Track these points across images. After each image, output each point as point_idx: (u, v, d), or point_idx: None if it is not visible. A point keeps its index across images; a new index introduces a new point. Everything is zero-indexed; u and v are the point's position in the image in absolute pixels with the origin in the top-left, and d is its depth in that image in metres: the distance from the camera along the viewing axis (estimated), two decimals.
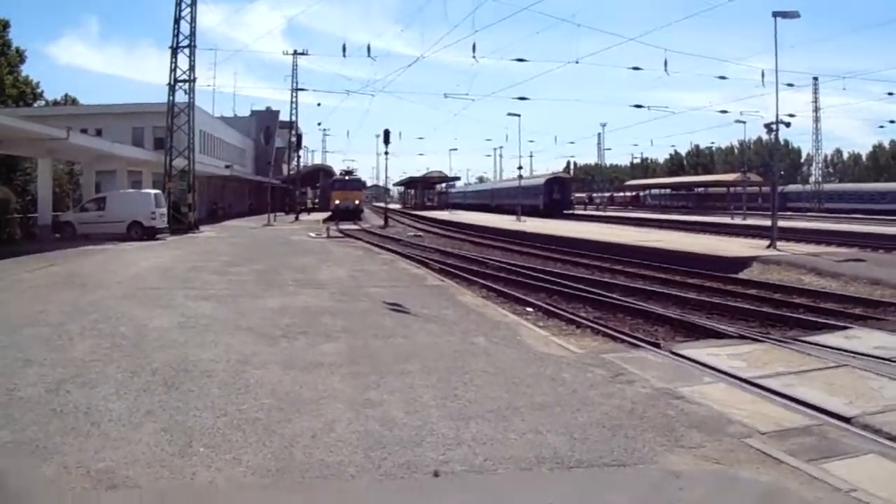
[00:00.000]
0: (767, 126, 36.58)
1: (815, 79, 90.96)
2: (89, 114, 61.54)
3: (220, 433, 6.80)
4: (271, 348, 10.74)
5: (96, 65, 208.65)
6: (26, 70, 66.12)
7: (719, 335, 13.42)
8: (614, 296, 18.55)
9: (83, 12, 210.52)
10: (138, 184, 49.61)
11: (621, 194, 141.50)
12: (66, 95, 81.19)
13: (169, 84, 46.19)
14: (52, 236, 37.88)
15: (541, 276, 22.73)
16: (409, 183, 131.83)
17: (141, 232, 38.07)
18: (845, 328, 14.12)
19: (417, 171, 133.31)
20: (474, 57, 40.47)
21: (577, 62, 45.65)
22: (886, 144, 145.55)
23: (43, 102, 69.61)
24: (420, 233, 51.29)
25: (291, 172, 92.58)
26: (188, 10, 45.24)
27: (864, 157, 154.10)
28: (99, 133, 52.98)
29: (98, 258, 26.48)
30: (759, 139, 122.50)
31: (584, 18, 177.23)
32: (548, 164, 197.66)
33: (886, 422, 7.48)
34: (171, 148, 46.58)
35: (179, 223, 44.66)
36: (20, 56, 64.22)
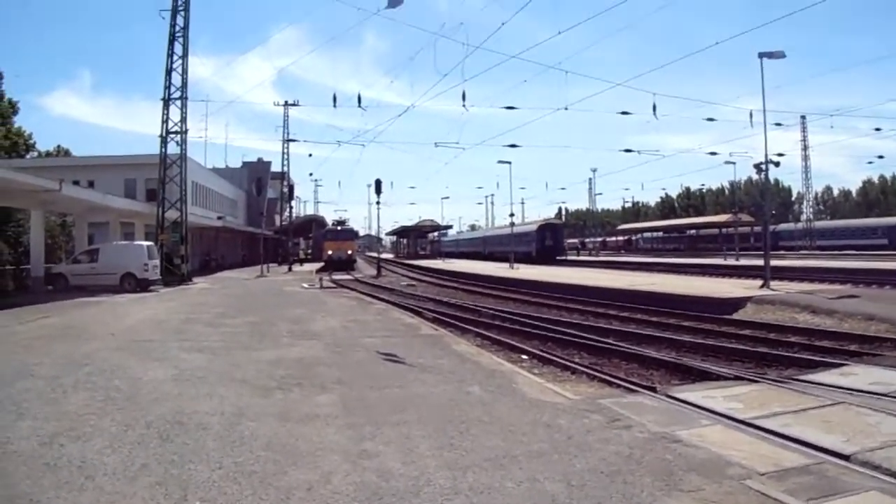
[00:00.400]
0: (757, 166, 36.60)
1: (803, 117, 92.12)
2: (82, 165, 61.68)
3: (215, 486, 6.76)
4: (266, 400, 10.69)
5: (89, 116, 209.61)
6: (19, 121, 66.48)
7: (715, 377, 13.40)
8: (609, 341, 18.53)
9: (76, 65, 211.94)
10: (131, 235, 49.86)
11: (613, 239, 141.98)
12: (58, 147, 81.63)
13: (161, 136, 46.22)
14: (45, 288, 37.93)
15: (535, 322, 22.72)
16: (401, 232, 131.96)
17: (134, 284, 38.09)
18: (841, 365, 14.20)
19: (409, 220, 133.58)
20: (464, 105, 40.56)
21: (566, 108, 45.67)
22: (876, 179, 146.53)
23: (36, 154, 69.85)
24: (413, 282, 51.36)
25: (284, 223, 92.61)
26: (179, 62, 45.43)
27: (854, 193, 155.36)
28: (91, 185, 53.11)
29: (91, 310, 26.43)
30: (749, 179, 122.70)
31: (571, 65, 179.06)
32: (539, 211, 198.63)
33: (886, 458, 7.48)
34: (164, 199, 46.52)
35: (172, 275, 44.69)
36: (13, 108, 64.53)
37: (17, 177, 32.53)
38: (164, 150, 46.46)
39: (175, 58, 45.37)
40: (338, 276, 55.14)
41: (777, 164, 40.68)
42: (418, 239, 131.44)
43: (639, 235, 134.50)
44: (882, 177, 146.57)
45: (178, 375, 12.75)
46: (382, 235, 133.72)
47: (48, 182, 34.03)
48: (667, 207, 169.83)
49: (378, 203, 63.24)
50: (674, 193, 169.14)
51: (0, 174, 31.19)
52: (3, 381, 12.24)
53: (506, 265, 63.06)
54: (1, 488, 6.75)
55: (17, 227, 45.73)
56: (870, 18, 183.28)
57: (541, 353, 16.80)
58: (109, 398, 10.75)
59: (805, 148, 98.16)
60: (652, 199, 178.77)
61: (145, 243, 42.02)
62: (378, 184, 60.15)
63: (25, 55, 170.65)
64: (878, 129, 70.74)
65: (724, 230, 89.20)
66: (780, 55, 30.95)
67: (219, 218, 69.57)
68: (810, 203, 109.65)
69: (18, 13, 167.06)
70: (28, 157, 65.81)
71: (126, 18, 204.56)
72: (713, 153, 76.01)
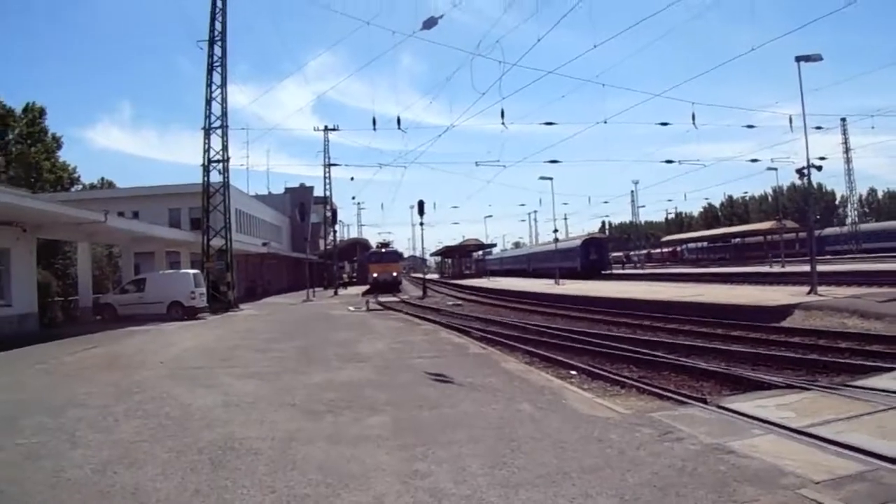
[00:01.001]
0: (799, 171, 36.31)
1: (843, 119, 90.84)
2: (126, 196, 62.36)
3: None
4: (316, 424, 10.69)
5: (131, 148, 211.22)
6: (63, 155, 67.32)
7: (766, 386, 13.25)
8: (658, 353, 18.37)
9: (116, 97, 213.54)
10: (177, 264, 50.23)
11: (658, 251, 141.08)
12: (102, 179, 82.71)
13: (203, 165, 46.76)
14: (93, 318, 38.48)
15: (583, 338, 22.56)
16: (445, 252, 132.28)
17: (181, 312, 38.48)
18: (893, 369, 13.95)
19: (453, 240, 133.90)
20: (503, 123, 40.42)
21: (605, 122, 46.04)
22: None
23: (80, 186, 70.59)
24: (459, 301, 51.32)
25: (328, 247, 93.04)
26: (219, 91, 45.86)
27: None
28: (136, 215, 53.66)
29: (139, 339, 26.65)
30: (792, 185, 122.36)
31: (608, 78, 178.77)
32: (583, 226, 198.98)
33: None
34: (208, 227, 46.92)
35: (219, 302, 44.99)
36: (57, 142, 65.44)
37: (64, 210, 32.97)
38: (206, 178, 46.94)
39: (214, 87, 45.88)
40: (384, 299, 55.15)
41: (819, 168, 40.37)
42: (462, 258, 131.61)
43: (683, 246, 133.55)
44: None
45: (227, 401, 12.80)
46: (427, 256, 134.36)
47: (93, 214, 34.45)
48: (710, 217, 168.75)
49: (421, 224, 63.46)
50: (717, 202, 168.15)
51: (46, 207, 31.62)
52: (55, 410, 12.38)
53: (551, 281, 62.98)
54: None
55: (65, 260, 46.37)
56: None
57: (590, 368, 16.70)
58: (160, 425, 10.81)
59: (847, 150, 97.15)
60: (695, 209, 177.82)
61: (191, 271, 42.38)
62: (420, 205, 60.37)
63: (66, 88, 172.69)
64: None
65: (768, 237, 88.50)
66: (817, 58, 30.70)
67: (263, 244, 69.98)
68: (854, 206, 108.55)
69: (58, 46, 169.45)
70: (73, 189, 66.57)
71: (163, 49, 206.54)
72: (754, 160, 75.21)
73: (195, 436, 10.00)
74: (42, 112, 62.45)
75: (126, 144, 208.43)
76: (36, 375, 17.69)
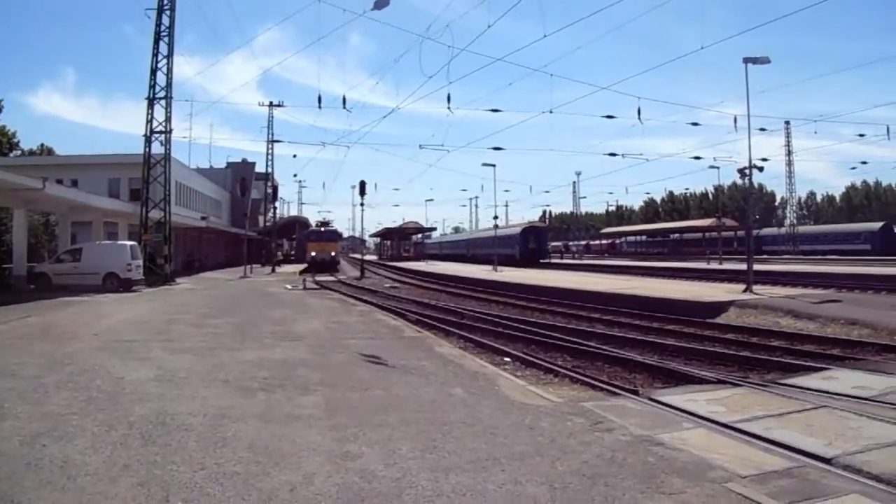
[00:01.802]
0: (741, 171, 36.78)
1: (787, 122, 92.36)
2: (65, 164, 61.68)
3: (197, 487, 6.73)
4: (249, 401, 10.65)
5: (73, 115, 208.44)
6: (2, 120, 66.15)
7: (698, 380, 13.46)
8: (592, 344, 18.53)
9: (60, 63, 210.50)
10: (114, 235, 49.83)
11: (597, 242, 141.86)
12: (42, 145, 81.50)
13: (145, 135, 46.15)
14: (28, 287, 37.81)
15: (518, 325, 22.74)
16: (385, 234, 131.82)
17: (117, 283, 38.05)
18: (823, 369, 14.28)
19: (393, 222, 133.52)
20: (449, 108, 40.35)
21: (551, 111, 45.61)
22: (859, 185, 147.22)
23: (19, 152, 69.51)
24: (397, 284, 51.30)
25: (267, 224, 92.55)
26: (164, 61, 45.34)
27: (837, 199, 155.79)
28: (75, 184, 52.86)
29: (74, 310, 26.35)
30: (734, 184, 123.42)
31: (556, 68, 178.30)
32: (523, 214, 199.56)
33: (867, 461, 7.53)
34: (148, 199, 46.48)
35: (155, 275, 44.65)
36: None
37: (1, 175, 32.38)
38: (148, 149, 46.42)
39: (160, 57, 45.32)
40: (321, 278, 55.14)
41: (761, 169, 41.09)
42: (402, 241, 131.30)
43: (623, 239, 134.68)
44: (865, 182, 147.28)
45: (160, 376, 12.70)
46: (366, 237, 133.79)
47: (31, 181, 33.97)
48: (651, 211, 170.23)
49: (362, 204, 63.15)
50: (658, 197, 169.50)
51: None
52: None
53: (489, 268, 63.25)
54: None
55: (0, 227, 45.59)
56: (855, 23, 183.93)
57: (524, 356, 16.81)
58: (91, 398, 10.70)
59: (789, 153, 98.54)
60: (636, 203, 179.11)
61: (128, 243, 41.97)
62: (362, 185, 60.16)
63: (8, 52, 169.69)
64: (861, 135, 70.60)
65: (707, 234, 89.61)
66: (764, 60, 31.03)
67: (202, 218, 69.43)
68: (794, 208, 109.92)
69: (2, 9, 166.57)
70: (11, 155, 65.55)
71: (110, 16, 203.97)
72: (697, 157, 76.43)
73: (126, 410, 9.92)
74: None
75: (68, 111, 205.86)
76: None
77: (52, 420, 9.31)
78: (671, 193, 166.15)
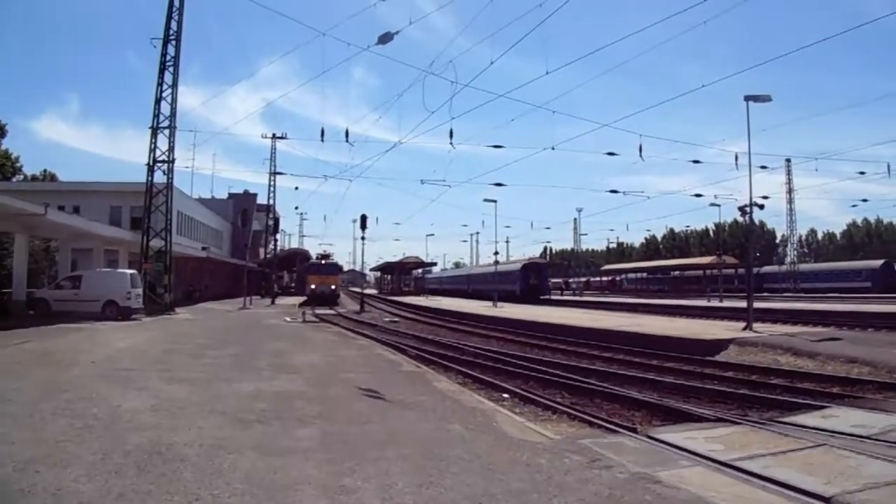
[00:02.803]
0: (741, 208, 36.75)
1: (788, 160, 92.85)
2: (68, 191, 61.78)
3: None
4: (245, 433, 10.61)
5: (76, 142, 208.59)
6: (6, 144, 66.36)
7: (697, 418, 13.40)
8: (591, 381, 18.50)
9: (64, 90, 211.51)
10: (115, 263, 49.74)
11: (598, 279, 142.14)
12: (44, 171, 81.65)
13: (148, 164, 46.29)
14: (26, 313, 37.74)
15: (517, 362, 22.66)
16: (385, 268, 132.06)
17: (116, 312, 38.00)
18: (823, 407, 14.22)
19: (394, 257, 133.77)
20: (451, 143, 40.43)
21: (552, 148, 45.79)
22: (860, 223, 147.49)
23: (22, 177, 69.71)
24: (396, 318, 51.20)
25: (268, 256, 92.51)
26: (169, 91, 45.60)
27: (838, 236, 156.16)
28: (77, 210, 53.10)
29: (72, 337, 26.32)
30: (734, 221, 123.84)
31: (558, 105, 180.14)
32: (524, 250, 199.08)
33: (866, 500, 7.50)
34: (149, 228, 46.60)
35: (155, 304, 44.59)
36: (1, 130, 64.42)
37: (3, 200, 32.42)
38: (150, 178, 46.52)
39: (164, 87, 45.61)
40: (321, 311, 54.99)
41: (762, 207, 40.87)
42: (402, 275, 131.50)
43: (623, 276, 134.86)
44: (866, 220, 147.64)
45: (157, 405, 12.67)
46: (367, 271, 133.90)
47: (33, 206, 33.98)
48: (651, 248, 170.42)
49: (363, 238, 63.21)
50: (659, 235, 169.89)
51: None
52: None
53: (489, 303, 63.19)
54: None
55: (1, 251, 45.61)
56: (855, 61, 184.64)
57: (522, 393, 16.79)
58: (87, 426, 10.67)
59: (790, 191, 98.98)
60: (637, 240, 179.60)
61: (129, 271, 41.91)
62: (363, 219, 60.27)
63: (13, 77, 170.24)
64: (862, 173, 70.90)
65: (708, 272, 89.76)
66: (766, 98, 31.11)
67: (203, 248, 69.39)
68: (794, 246, 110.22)
69: (8, 35, 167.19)
70: (14, 180, 65.71)
71: (115, 45, 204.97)
72: (698, 195, 76.23)
73: (122, 438, 9.89)
74: None
75: (71, 138, 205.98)
76: None
77: (47, 447, 9.27)
78: (672, 231, 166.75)
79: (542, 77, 57.85)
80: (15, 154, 68.17)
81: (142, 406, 12.54)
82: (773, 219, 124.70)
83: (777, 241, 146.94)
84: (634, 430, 12.12)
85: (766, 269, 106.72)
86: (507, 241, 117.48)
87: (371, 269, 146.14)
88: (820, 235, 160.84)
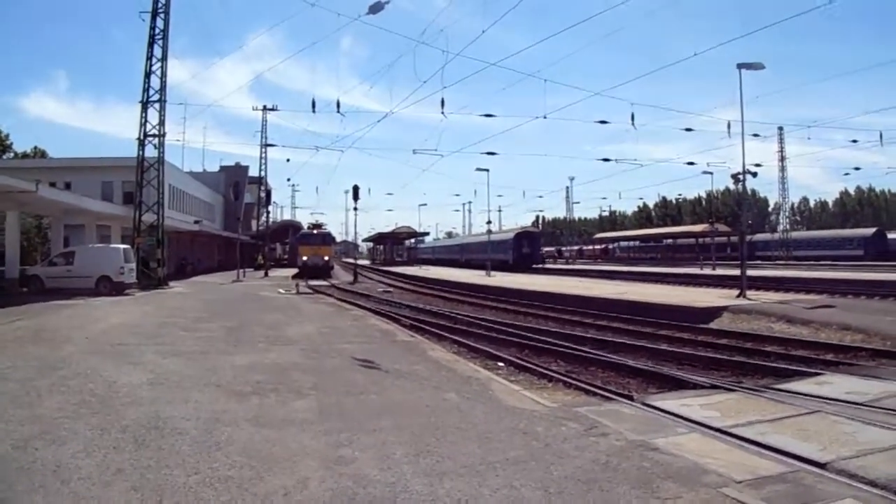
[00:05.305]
0: (734, 176, 36.88)
1: (781, 128, 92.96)
2: (59, 167, 61.49)
3: (191, 491, 6.70)
4: (242, 405, 10.63)
5: (66, 118, 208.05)
6: None
7: (692, 386, 13.44)
8: (585, 349, 18.55)
9: (51, 67, 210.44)
10: (107, 238, 49.54)
11: (590, 247, 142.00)
12: (35, 148, 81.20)
13: (139, 138, 46.14)
14: (20, 290, 37.69)
15: (511, 330, 22.69)
16: (378, 238, 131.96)
17: (110, 287, 37.92)
18: (817, 374, 14.26)
19: (386, 227, 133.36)
20: (443, 113, 40.33)
21: (544, 117, 45.61)
22: (852, 191, 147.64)
23: (12, 155, 69.42)
24: (390, 288, 51.21)
25: (260, 228, 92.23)
26: (158, 64, 45.29)
27: (830, 204, 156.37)
28: (68, 187, 52.90)
29: (66, 313, 26.28)
30: (727, 189, 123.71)
31: (550, 73, 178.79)
32: (517, 219, 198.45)
33: (861, 466, 7.51)
34: (141, 202, 46.39)
35: (149, 278, 44.60)
36: None
37: None
38: (141, 153, 46.37)
39: (154, 60, 45.29)
40: (314, 283, 54.87)
41: (754, 175, 41.04)
42: (395, 245, 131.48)
43: (615, 244, 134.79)
44: (859, 188, 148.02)
45: (153, 380, 12.68)
46: (359, 242, 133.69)
47: (24, 183, 33.84)
48: (644, 217, 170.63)
49: (355, 209, 62.93)
50: (651, 203, 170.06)
51: None
52: None
53: (482, 273, 63.16)
54: None
55: None
56: (847, 30, 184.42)
57: (517, 361, 16.81)
58: (84, 402, 10.68)
59: (782, 159, 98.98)
60: (629, 208, 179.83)
61: (121, 246, 41.80)
62: (356, 190, 59.98)
63: (0, 55, 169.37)
64: (854, 141, 71.39)
65: (700, 240, 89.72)
66: (758, 66, 31.01)
67: (196, 222, 69.28)
68: (787, 213, 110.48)
69: None
70: (4, 158, 65.43)
71: (101, 20, 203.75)
72: (691, 163, 76.40)
73: (119, 413, 9.90)
74: None
75: (61, 115, 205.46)
76: None
77: (45, 424, 9.27)
78: (664, 199, 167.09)
79: (533, 46, 57.83)
80: (5, 132, 67.86)
81: (138, 381, 12.55)
82: (765, 187, 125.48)
83: (769, 209, 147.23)
84: (630, 398, 12.14)
85: (759, 236, 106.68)
86: (500, 210, 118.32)
87: (364, 240, 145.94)
88: (812, 203, 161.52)
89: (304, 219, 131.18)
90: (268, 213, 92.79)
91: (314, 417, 9.87)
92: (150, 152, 46.61)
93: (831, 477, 7.26)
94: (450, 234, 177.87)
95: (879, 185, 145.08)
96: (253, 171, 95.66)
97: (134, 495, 6.60)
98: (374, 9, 27.94)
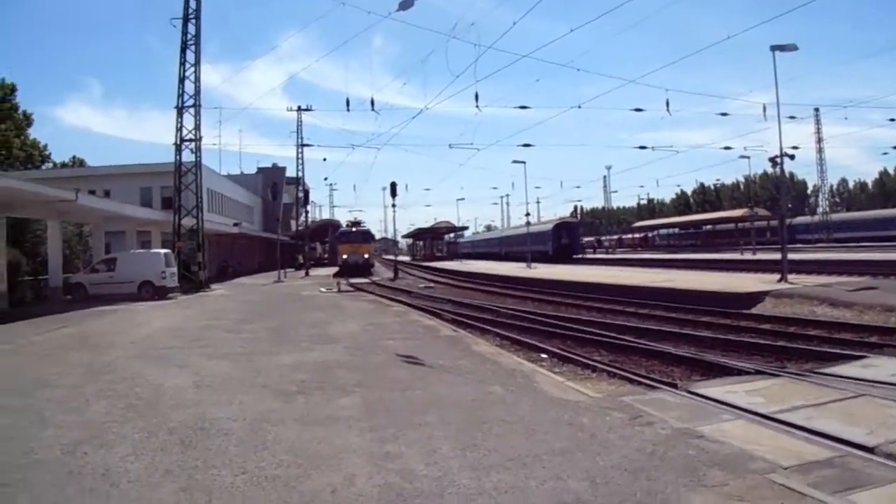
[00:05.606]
0: (772, 160, 36.52)
1: (817, 110, 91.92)
2: (97, 175, 61.73)
3: (239, 491, 6.76)
4: (288, 405, 10.69)
5: (101, 126, 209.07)
6: (33, 133, 66.51)
7: (736, 372, 13.30)
8: (628, 338, 18.46)
9: (85, 76, 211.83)
10: (148, 244, 49.90)
11: (630, 236, 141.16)
12: (73, 157, 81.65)
13: (175, 143, 46.50)
14: (64, 298, 38.13)
15: (554, 322, 22.62)
16: (417, 234, 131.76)
17: (152, 291, 38.29)
18: (862, 357, 14.10)
19: (425, 222, 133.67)
20: (477, 106, 40.32)
21: (579, 107, 45.81)
22: (892, 171, 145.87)
23: (51, 165, 69.91)
24: (431, 284, 51.26)
25: (300, 228, 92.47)
26: (192, 70, 45.60)
27: (870, 185, 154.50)
28: (107, 194, 53.17)
29: (110, 319, 26.54)
30: (765, 173, 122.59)
31: (583, 63, 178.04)
32: (555, 210, 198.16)
33: None
34: (180, 207, 46.74)
35: (190, 282, 44.85)
36: (27, 119, 64.53)
37: (34, 188, 32.57)
38: (178, 157, 46.70)
39: (187, 66, 45.60)
40: (355, 280, 54.95)
41: (792, 157, 40.75)
42: (434, 241, 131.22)
43: (655, 232, 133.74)
44: None
45: (199, 382, 12.79)
46: (398, 238, 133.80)
47: (64, 192, 34.11)
48: (682, 204, 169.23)
49: (393, 206, 63.38)
50: (689, 189, 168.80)
51: (17, 185, 31.23)
52: (24, 390, 12.35)
53: (523, 265, 62.99)
54: (26, 498, 6.77)
55: (35, 238, 45.87)
56: (882, 8, 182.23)
57: (560, 352, 16.73)
58: (131, 406, 10.79)
59: (819, 140, 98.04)
60: (667, 195, 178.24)
61: (162, 251, 42.11)
62: (393, 186, 60.08)
63: (34, 66, 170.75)
64: (892, 120, 70.26)
65: (740, 225, 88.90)
66: (792, 48, 30.76)
67: (235, 224, 69.49)
68: (826, 196, 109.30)
69: (27, 24, 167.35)
70: (43, 167, 65.95)
71: (132, 27, 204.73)
72: (727, 148, 75.81)
73: (166, 416, 9.98)
74: (13, 89, 61.60)
75: (96, 123, 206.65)
76: (4, 356, 17.61)
77: (93, 428, 9.37)
78: (702, 185, 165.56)
79: (565, 35, 57.27)
80: (42, 142, 68.31)
81: (183, 383, 12.66)
82: (803, 169, 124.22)
83: (808, 191, 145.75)
84: (674, 386, 12.08)
85: (799, 220, 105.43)
86: (538, 202, 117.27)
87: (403, 236, 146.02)
88: (851, 184, 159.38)
89: (343, 217, 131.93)
90: (306, 212, 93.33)
91: (359, 414, 9.91)
92: (187, 157, 46.99)
93: (880, 461, 7.19)
94: (489, 228, 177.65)
95: None
96: (290, 172, 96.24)
97: (183, 496, 6.65)
98: (404, 5, 27.96)
